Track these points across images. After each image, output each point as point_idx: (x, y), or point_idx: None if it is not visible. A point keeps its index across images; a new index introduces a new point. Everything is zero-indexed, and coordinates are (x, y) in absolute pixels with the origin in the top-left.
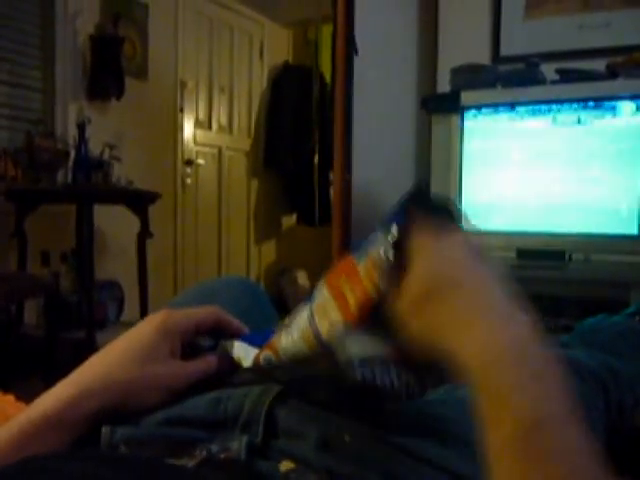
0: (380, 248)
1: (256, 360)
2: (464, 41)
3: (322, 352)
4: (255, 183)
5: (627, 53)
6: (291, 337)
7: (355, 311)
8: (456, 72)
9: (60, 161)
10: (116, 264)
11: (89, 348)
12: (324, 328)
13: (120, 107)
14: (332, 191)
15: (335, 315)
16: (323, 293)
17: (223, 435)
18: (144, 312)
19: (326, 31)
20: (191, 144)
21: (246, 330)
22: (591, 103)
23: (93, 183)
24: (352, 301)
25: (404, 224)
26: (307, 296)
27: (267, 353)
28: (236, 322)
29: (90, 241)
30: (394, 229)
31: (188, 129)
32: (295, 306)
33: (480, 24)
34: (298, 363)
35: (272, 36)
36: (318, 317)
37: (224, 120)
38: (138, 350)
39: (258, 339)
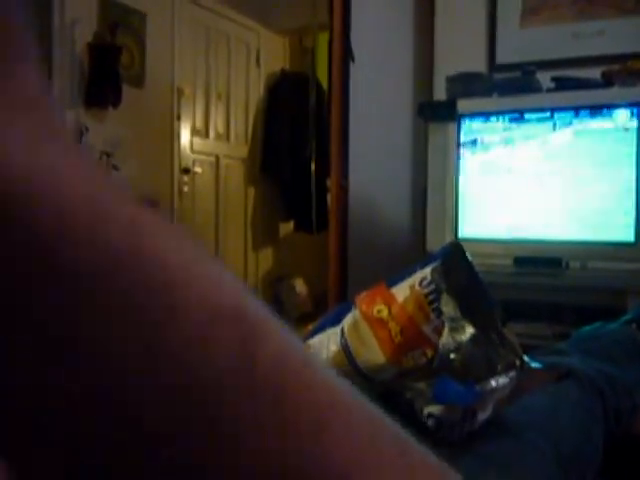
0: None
1: None
2: (460, 49)
3: (354, 376)
4: (252, 190)
5: (621, 61)
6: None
7: (398, 336)
8: (452, 80)
9: None
10: None
11: None
12: (361, 356)
13: (117, 115)
14: (329, 198)
15: (372, 343)
16: (357, 319)
17: None
18: None
19: (322, 38)
20: (188, 152)
21: None
22: (587, 111)
23: None
24: (393, 325)
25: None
26: (329, 317)
27: None
28: None
29: None
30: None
31: (185, 137)
32: (293, 314)
33: (476, 32)
34: None
35: (268, 44)
36: (353, 343)
37: (221, 128)
38: None
39: None
